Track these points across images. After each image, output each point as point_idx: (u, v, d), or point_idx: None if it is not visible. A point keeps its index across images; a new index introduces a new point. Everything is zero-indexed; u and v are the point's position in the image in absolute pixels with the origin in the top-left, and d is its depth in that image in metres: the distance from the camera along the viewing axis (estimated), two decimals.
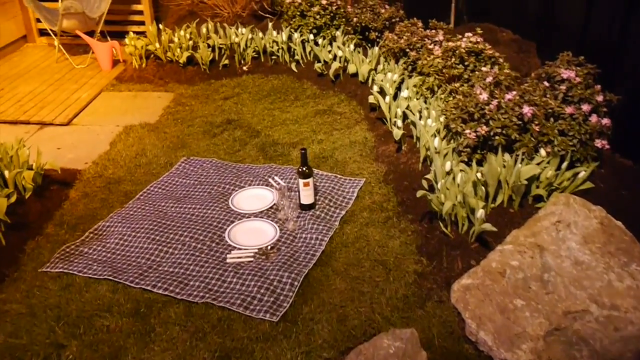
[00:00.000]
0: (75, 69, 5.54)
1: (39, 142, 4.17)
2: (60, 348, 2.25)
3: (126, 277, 2.61)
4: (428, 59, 3.71)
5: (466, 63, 3.61)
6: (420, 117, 3.56)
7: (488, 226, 2.60)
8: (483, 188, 2.79)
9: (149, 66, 5.42)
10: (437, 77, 3.62)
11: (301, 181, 3.05)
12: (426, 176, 3.10)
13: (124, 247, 2.88)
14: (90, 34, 5.65)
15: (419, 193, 2.87)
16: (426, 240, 2.87)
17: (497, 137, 2.93)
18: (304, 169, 3.03)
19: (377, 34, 4.82)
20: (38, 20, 6.12)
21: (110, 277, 2.62)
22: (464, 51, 3.57)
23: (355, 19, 4.83)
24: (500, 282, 2.42)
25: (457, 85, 3.52)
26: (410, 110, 3.68)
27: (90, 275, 2.66)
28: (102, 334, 2.32)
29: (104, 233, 3.02)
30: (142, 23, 6.20)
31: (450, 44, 3.60)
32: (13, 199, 3.04)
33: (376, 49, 4.63)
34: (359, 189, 3.34)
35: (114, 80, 5.27)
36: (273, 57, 5.24)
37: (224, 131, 4.23)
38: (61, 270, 2.72)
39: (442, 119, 3.39)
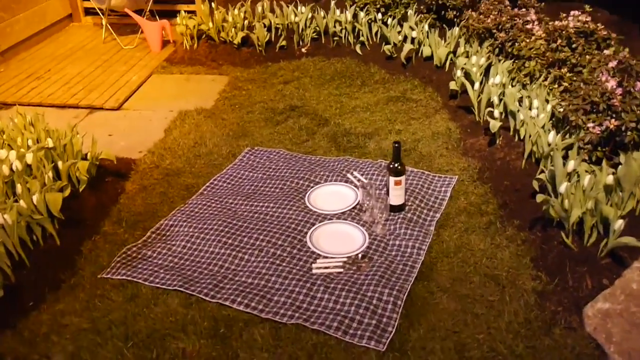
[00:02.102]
0: (124, 49, 5.21)
1: (89, 128, 3.86)
2: None
3: (199, 289, 2.26)
4: (527, 40, 3.24)
5: (574, 46, 3.13)
6: (520, 107, 3.11)
7: (632, 240, 2.16)
8: (620, 193, 2.34)
9: (200, 47, 5.07)
10: (539, 61, 3.15)
11: (392, 179, 2.64)
12: (538, 176, 2.66)
13: (193, 252, 2.52)
14: (139, 12, 5.31)
15: (539, 198, 2.44)
16: (543, 253, 2.44)
17: (629, 133, 2.47)
18: (397, 165, 2.62)
19: (455, 12, 4.34)
20: None
21: (181, 289, 2.27)
22: (572, 32, 3.09)
23: None
24: None
25: (564, 71, 3.05)
26: (506, 99, 3.22)
27: (158, 285, 2.31)
28: (177, 359, 1.97)
29: (168, 234, 2.68)
30: (191, 2, 5.82)
31: (557, 23, 3.12)
32: (67, 192, 2.72)
33: (455, 29, 4.17)
34: (452, 188, 2.92)
35: (164, 62, 4.93)
36: (335, 38, 4.81)
37: (288, 118, 3.84)
38: (124, 277, 2.38)
39: (548, 108, 2.94)
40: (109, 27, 5.37)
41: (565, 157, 2.64)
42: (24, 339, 2.12)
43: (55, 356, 2.01)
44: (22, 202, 2.45)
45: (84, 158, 3.02)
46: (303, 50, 4.84)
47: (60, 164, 2.79)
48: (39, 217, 2.48)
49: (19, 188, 2.51)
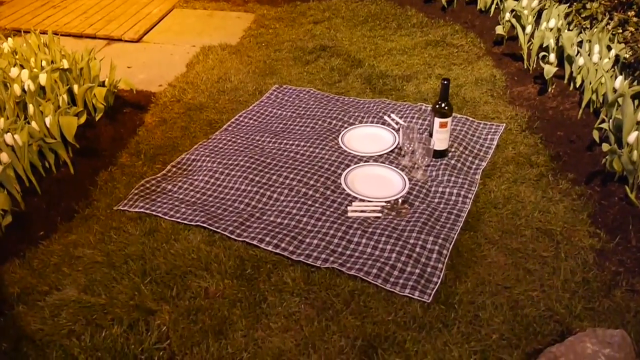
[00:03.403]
0: None
1: (106, 59, 3.62)
2: (148, 314, 1.73)
3: (224, 226, 2.06)
4: None
5: None
6: (578, 53, 2.82)
7: None
8: None
9: None
10: (602, 2, 2.84)
11: (438, 120, 2.39)
12: (600, 125, 2.40)
13: (217, 188, 2.32)
14: None
15: (605, 147, 2.19)
16: (602, 208, 2.21)
17: None
18: (444, 105, 2.37)
19: None
20: None
21: (204, 225, 2.07)
22: None
23: None
24: None
25: (630, 14, 2.74)
26: (563, 42, 2.92)
27: (179, 220, 2.11)
28: (199, 299, 1.79)
29: (190, 168, 2.47)
30: None
31: None
32: (83, 119, 2.51)
33: None
34: (499, 137, 2.67)
35: None
36: None
37: (318, 58, 3.58)
38: (142, 210, 2.18)
39: (612, 54, 2.65)
40: None
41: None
42: (33, 269, 1.94)
43: (66, 288, 1.83)
44: (33, 124, 2.25)
45: (102, 85, 2.80)
46: None
47: (75, 87, 2.57)
48: (52, 142, 2.27)
49: (30, 109, 2.30)
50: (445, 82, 2.34)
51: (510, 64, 3.34)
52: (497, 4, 3.81)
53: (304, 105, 2.95)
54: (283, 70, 3.45)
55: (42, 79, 2.47)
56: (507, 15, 3.43)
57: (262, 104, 3.01)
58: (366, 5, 4.33)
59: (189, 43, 3.90)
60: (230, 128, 2.79)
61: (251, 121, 2.85)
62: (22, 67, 2.67)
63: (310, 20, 4.18)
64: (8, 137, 2.11)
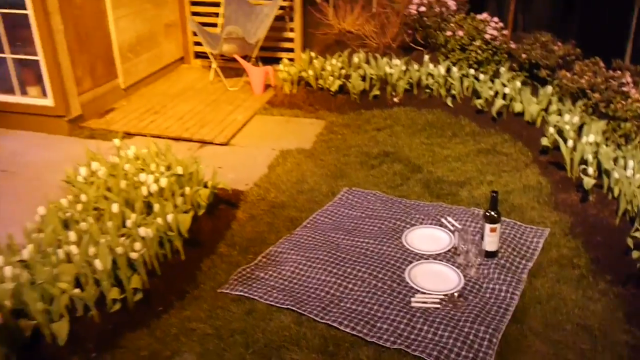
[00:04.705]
0: (229, 91, 5.72)
1: (201, 160, 4.27)
2: None
3: (309, 310, 2.51)
4: (623, 102, 3.37)
5: None
6: (615, 166, 3.22)
7: None
8: None
9: (299, 92, 5.47)
10: (635, 122, 3.27)
11: (488, 226, 2.82)
12: (633, 234, 2.76)
13: (301, 277, 2.79)
14: (245, 58, 5.82)
15: (635, 254, 2.54)
16: (636, 309, 2.52)
17: None
18: (493, 213, 2.80)
19: (548, 72, 4.52)
20: (195, 44, 6.44)
21: (293, 308, 2.53)
22: None
23: (523, 55, 4.57)
24: None
25: None
26: (600, 157, 3.34)
27: (272, 303, 2.58)
28: None
29: (277, 259, 2.96)
30: (291, 50, 6.32)
31: None
32: (190, 215, 3.08)
33: (548, 88, 4.34)
34: (544, 240, 3.04)
35: (266, 104, 5.36)
36: (427, 90, 5.08)
37: (382, 163, 4.10)
38: (241, 293, 2.67)
39: None
40: (217, 69, 5.91)
41: None
42: (157, 337, 2.43)
43: (185, 354, 2.30)
44: (159, 220, 2.82)
45: (205, 186, 3.40)
46: (395, 100, 5.14)
47: (187, 189, 3.17)
48: (172, 234, 2.83)
49: (156, 207, 2.89)
50: (494, 194, 2.79)
51: (555, 172, 3.75)
52: (542, 117, 4.28)
53: (371, 207, 3.44)
54: (351, 173, 3.99)
55: (163, 182, 3.09)
56: (551, 129, 3.88)
57: (335, 204, 3.52)
58: (423, 114, 4.88)
59: (270, 146, 4.52)
60: (309, 225, 3.30)
61: (326, 219, 3.35)
62: (142, 170, 3.31)
63: (374, 127, 4.75)
64: (142, 230, 2.68)
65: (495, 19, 5.05)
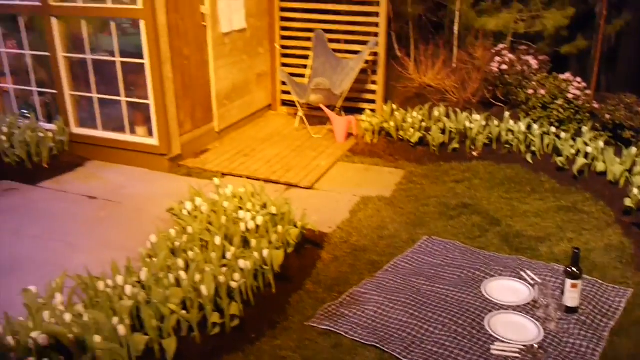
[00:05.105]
0: (313, 138, 6.05)
1: (289, 202, 4.58)
2: None
3: (393, 348, 2.66)
4: None
5: None
6: None
7: None
8: None
9: (380, 142, 5.71)
10: None
11: (569, 281, 2.89)
12: None
13: (384, 317, 2.95)
14: (329, 107, 6.17)
15: None
16: None
17: None
18: (574, 269, 2.87)
19: (632, 133, 4.54)
20: (283, 92, 6.89)
21: (377, 345, 2.69)
22: None
23: (607, 116, 4.62)
24: None
25: None
26: None
27: (356, 339, 2.76)
28: None
29: (361, 299, 3.14)
30: (373, 101, 6.62)
31: None
32: (283, 251, 3.33)
33: (633, 149, 4.35)
34: (626, 300, 3.06)
35: (348, 152, 5.63)
36: (506, 145, 5.19)
37: (461, 215, 4.23)
38: (327, 327, 2.86)
39: None
40: (303, 117, 6.30)
41: None
42: None
43: None
44: (255, 254, 3.10)
45: (295, 226, 3.66)
46: (474, 153, 5.27)
47: (279, 228, 3.44)
48: (266, 268, 3.10)
49: (253, 242, 3.17)
50: (577, 251, 2.87)
51: (639, 233, 3.75)
52: (626, 177, 4.29)
53: (450, 256, 3.58)
54: (430, 222, 4.14)
55: (259, 220, 3.38)
56: (635, 190, 3.89)
57: (415, 251, 3.68)
58: (502, 169, 4.98)
59: (351, 192, 4.76)
60: (390, 269, 3.47)
61: (407, 265, 3.51)
62: (240, 207, 3.63)
63: (452, 179, 4.90)
64: (241, 262, 2.96)
65: (579, 78, 5.14)
